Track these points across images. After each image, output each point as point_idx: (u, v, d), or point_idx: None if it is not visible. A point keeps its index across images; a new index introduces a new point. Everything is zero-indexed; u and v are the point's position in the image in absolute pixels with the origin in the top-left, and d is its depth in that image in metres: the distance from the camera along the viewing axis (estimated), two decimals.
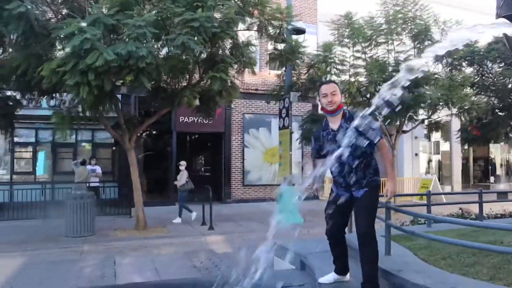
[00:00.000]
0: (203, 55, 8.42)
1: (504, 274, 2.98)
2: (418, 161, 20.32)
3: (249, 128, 16.47)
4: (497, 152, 24.58)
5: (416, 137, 19.65)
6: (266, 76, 16.15)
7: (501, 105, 15.21)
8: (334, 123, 3.37)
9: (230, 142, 16.15)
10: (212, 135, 16.47)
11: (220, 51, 8.57)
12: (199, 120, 15.33)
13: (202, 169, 18.30)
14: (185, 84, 9.19)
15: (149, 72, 6.57)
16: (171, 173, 14.86)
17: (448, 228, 4.71)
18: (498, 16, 3.05)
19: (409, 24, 12.17)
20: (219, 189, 15.87)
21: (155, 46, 6.91)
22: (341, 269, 3.57)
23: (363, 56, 12.17)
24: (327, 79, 11.54)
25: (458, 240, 3.32)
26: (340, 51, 11.74)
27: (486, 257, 3.32)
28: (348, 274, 3.61)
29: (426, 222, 5.98)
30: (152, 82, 7.70)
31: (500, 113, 15.31)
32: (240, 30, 8.98)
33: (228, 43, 8.96)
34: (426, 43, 12.20)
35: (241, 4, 8.58)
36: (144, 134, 16.09)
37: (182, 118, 15.09)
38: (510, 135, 17.09)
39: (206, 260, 7.57)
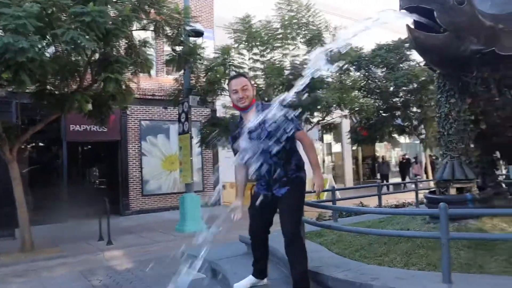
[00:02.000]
0: (96, 55, 7.73)
1: (417, 259, 3.04)
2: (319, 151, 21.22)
3: (146, 136, 15.70)
4: (382, 151, 26.86)
5: (316, 140, 20.60)
6: (163, 80, 15.58)
7: (384, 106, 16.56)
8: (246, 118, 3.16)
9: (127, 150, 15.21)
10: (107, 144, 15.36)
11: (115, 51, 7.93)
12: (92, 128, 14.18)
13: (97, 181, 16.98)
14: (76, 87, 8.36)
15: (32, 70, 5.75)
16: (62, 187, 13.54)
17: (354, 221, 4.80)
18: (401, 8, 3.14)
19: (303, 29, 12.62)
20: (117, 200, 14.83)
21: (40, 43, 6.07)
22: (260, 272, 3.37)
23: (261, 59, 12.33)
24: (226, 82, 11.48)
25: (378, 230, 3.34)
26: (238, 54, 11.74)
27: (397, 245, 3.38)
28: (266, 278, 3.43)
29: (331, 217, 6.10)
30: (37, 84, 6.81)
31: (384, 114, 16.72)
32: (135, 29, 8.43)
33: (123, 43, 8.34)
34: (319, 47, 12.77)
35: (136, 3, 8.06)
36: (29, 145, 14.44)
37: (72, 127, 13.83)
38: (393, 134, 18.83)
39: (106, 278, 6.88)
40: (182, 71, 11.18)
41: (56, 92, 8.25)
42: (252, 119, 3.08)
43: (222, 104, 13.02)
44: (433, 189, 4.34)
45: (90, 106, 8.59)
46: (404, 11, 3.11)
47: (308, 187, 3.28)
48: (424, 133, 18.07)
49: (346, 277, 2.78)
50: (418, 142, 23.38)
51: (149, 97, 15.48)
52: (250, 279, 3.38)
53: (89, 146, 16.19)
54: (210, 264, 4.48)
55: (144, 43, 8.23)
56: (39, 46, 5.85)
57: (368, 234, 3.50)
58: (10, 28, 5.64)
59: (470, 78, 3.59)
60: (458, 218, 3.37)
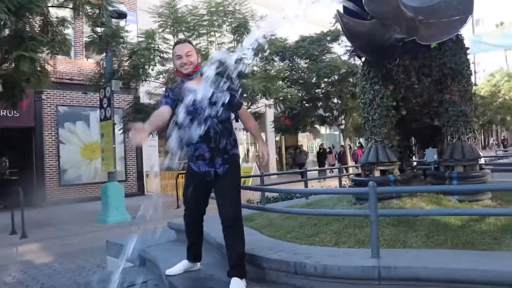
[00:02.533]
0: (7, 31, 7.05)
1: (346, 237, 3.17)
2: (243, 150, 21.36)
3: (64, 122, 14.78)
4: (304, 140, 27.79)
5: (235, 128, 20.71)
6: (82, 64, 14.70)
7: (307, 97, 17.04)
8: (191, 85, 2.99)
9: (42, 138, 14.21)
10: (20, 130, 14.20)
11: (28, 28, 7.28)
12: (2, 113, 13.06)
13: (8, 172, 15.62)
14: None
15: None
16: None
17: (283, 206, 4.89)
18: None
19: (229, 17, 12.54)
20: (31, 191, 13.78)
21: None
22: (195, 256, 3.31)
23: None
24: (151, 67, 11.11)
25: (310, 210, 3.43)
26: (163, 39, 11.39)
27: (326, 226, 3.50)
28: (199, 263, 3.38)
29: (258, 203, 6.17)
30: None
31: (307, 104, 17.21)
32: (52, 6, 7.81)
33: (38, 20, 7.69)
34: (245, 36, 12.79)
35: None
36: None
37: None
38: (315, 125, 19.50)
39: (21, 274, 6.40)
40: (104, 55, 10.62)
41: None
42: (195, 87, 2.93)
43: (146, 91, 12.57)
44: (359, 173, 4.56)
45: (0, 87, 7.85)
46: None
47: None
48: (344, 123, 18.96)
49: (280, 257, 2.82)
50: (337, 132, 24.51)
51: (67, 81, 14.56)
52: (184, 263, 3.30)
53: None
54: (139, 252, 4.31)
55: (63, 21, 7.63)
56: None
57: (301, 214, 3.59)
58: None
59: (393, 65, 3.81)
60: (382, 198, 3.56)
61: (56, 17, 7.81)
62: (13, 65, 7.21)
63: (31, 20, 7.43)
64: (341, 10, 3.30)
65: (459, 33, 3.87)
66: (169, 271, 3.27)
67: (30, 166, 14.27)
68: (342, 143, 23.33)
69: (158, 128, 3.03)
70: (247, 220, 4.35)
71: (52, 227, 9.95)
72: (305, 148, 26.44)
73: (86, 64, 14.14)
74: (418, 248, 2.86)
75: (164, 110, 2.95)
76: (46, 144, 14.36)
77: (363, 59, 4.22)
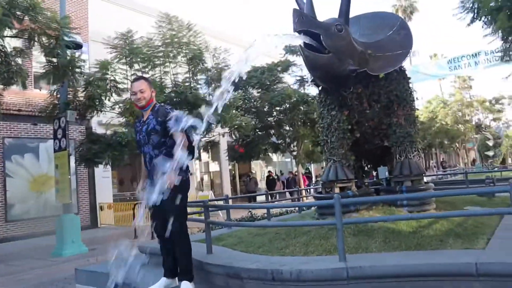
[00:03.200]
0: None
1: (314, 247, 3.50)
2: (194, 180, 21.35)
3: (11, 155, 14.23)
4: (257, 168, 28.20)
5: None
6: (31, 94, 14.36)
7: (260, 125, 17.55)
8: (145, 117, 3.55)
9: None
10: None
11: None
12: None
13: None
14: None
15: None
16: None
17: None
18: (295, 30, 3.65)
19: (183, 48, 12.88)
20: None
21: None
22: (170, 270, 3.49)
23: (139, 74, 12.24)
24: (107, 98, 11.14)
25: (283, 222, 3.73)
26: (120, 69, 11.51)
27: (294, 239, 3.81)
28: (177, 278, 3.54)
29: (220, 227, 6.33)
30: None
31: (260, 132, 17.71)
32: (7, 36, 7.78)
33: None
34: (199, 67, 13.17)
35: (6, 6, 7.45)
36: None
37: None
38: (268, 152, 20.01)
39: None
40: (56, 85, 10.56)
41: None
42: (146, 116, 3.49)
43: (98, 122, 12.50)
44: (319, 190, 4.94)
45: None
46: (296, 33, 3.63)
47: None
48: (296, 150, 19.60)
49: (258, 267, 3.09)
50: (289, 159, 25.12)
51: (14, 112, 14.10)
52: (163, 281, 3.47)
53: None
54: (111, 278, 4.37)
55: (20, 52, 7.61)
56: None
57: (273, 227, 3.88)
58: None
59: (348, 93, 4.28)
60: (344, 212, 3.93)
61: (14, 48, 7.76)
62: None
63: None
64: (303, 45, 3.73)
65: (402, 65, 4.44)
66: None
67: None
68: (290, 170, 23.99)
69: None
70: (217, 240, 4.58)
71: (4, 264, 9.52)
72: (258, 175, 26.82)
73: (35, 95, 13.86)
74: (377, 252, 3.24)
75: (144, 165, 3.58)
76: None
77: (320, 87, 4.68)
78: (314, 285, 2.84)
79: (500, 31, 7.76)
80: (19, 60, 7.74)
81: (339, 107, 4.40)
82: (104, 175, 16.27)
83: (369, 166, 5.78)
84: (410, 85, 4.63)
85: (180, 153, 3.23)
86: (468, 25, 7.90)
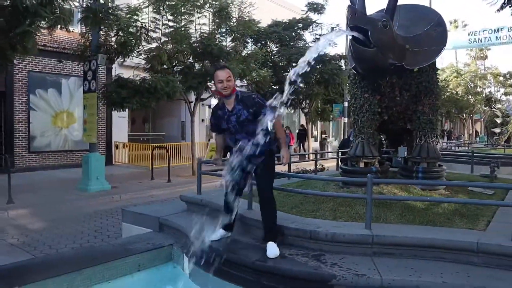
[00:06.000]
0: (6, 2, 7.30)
1: (340, 214, 4.15)
2: (204, 127, 21.93)
3: (35, 89, 14.75)
4: None
5: (203, 104, 21.23)
6: (57, 32, 14.63)
7: (275, 79, 17.86)
8: (229, 105, 3.75)
9: (13, 103, 14.18)
10: None
11: (29, 2, 7.55)
12: None
13: None
14: None
15: None
16: None
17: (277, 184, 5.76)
18: (348, 26, 4.08)
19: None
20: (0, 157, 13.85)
21: None
22: (229, 225, 4.03)
23: (170, 24, 12.50)
24: (138, 44, 11.48)
25: (325, 192, 4.38)
26: (152, 17, 11.77)
27: (323, 204, 4.46)
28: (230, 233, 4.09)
29: None
30: None
31: (274, 86, 18.06)
32: None
33: None
34: (225, 20, 13.35)
35: None
36: None
37: None
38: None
39: (23, 237, 6.87)
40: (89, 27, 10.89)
41: None
42: (232, 105, 3.73)
43: (119, 62, 12.74)
44: (346, 162, 5.55)
45: None
46: (349, 28, 4.07)
47: None
48: (308, 107, 20.07)
49: (297, 226, 3.75)
50: (293, 113, 25.42)
51: (40, 47, 14.43)
52: (221, 232, 4.04)
53: None
54: (158, 219, 5.06)
55: None
56: None
57: (311, 195, 4.51)
58: None
59: (382, 81, 4.78)
60: (363, 185, 4.50)
61: None
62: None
63: None
64: (352, 39, 4.18)
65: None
66: (211, 237, 3.94)
67: None
68: (303, 124, 24.47)
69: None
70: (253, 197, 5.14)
71: (34, 193, 10.30)
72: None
73: (59, 32, 14.12)
74: (395, 223, 3.89)
75: (219, 139, 4.11)
76: (16, 110, 14.33)
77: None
78: (344, 246, 3.51)
79: None
80: (63, 3, 8.05)
81: (372, 92, 4.91)
82: (120, 115, 16.80)
83: (385, 142, 6.37)
84: (438, 75, 5.10)
85: (283, 134, 3.85)
86: (498, 10, 8.11)
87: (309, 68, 3.27)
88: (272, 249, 3.56)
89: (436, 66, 5.15)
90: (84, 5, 9.54)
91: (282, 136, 3.91)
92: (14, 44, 8.28)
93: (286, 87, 3.37)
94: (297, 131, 24.21)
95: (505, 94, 37.63)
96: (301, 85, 18.61)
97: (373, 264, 3.28)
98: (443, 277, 3.03)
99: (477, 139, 26.16)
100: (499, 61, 66.43)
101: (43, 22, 8.10)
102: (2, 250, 5.98)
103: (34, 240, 6.69)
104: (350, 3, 4.27)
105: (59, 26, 8.35)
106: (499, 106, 29.07)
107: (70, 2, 8.21)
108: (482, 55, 44.50)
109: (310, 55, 3.36)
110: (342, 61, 18.07)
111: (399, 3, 4.88)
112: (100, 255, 4.13)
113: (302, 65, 3.35)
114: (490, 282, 2.94)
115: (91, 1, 9.56)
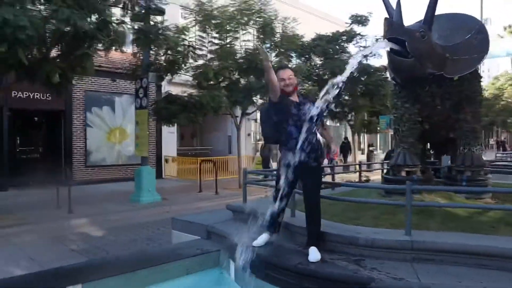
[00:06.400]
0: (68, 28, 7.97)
1: (382, 221, 4.22)
2: (250, 140, 22.28)
3: (91, 107, 15.73)
4: None
5: (248, 119, 21.63)
6: (111, 53, 15.59)
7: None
8: (294, 98, 3.97)
9: (71, 120, 15.18)
10: (51, 113, 15.19)
11: (88, 26, 8.21)
12: (36, 95, 14.06)
13: (40, 149, 16.62)
14: (42, 57, 8.48)
15: (27, 45, 6.01)
16: (3, 154, 13.33)
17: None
18: (385, 37, 4.21)
19: (255, 16, 13.41)
20: (59, 170, 14.80)
21: (39, 20, 6.24)
22: (274, 228, 4.18)
23: (215, 41, 13.01)
24: (185, 62, 12.03)
25: (372, 200, 4.49)
26: (198, 36, 12.33)
27: (364, 212, 4.55)
28: (274, 235, 4.24)
29: None
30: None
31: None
32: (110, 5, 8.74)
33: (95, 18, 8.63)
34: (269, 35, 13.69)
35: None
36: None
37: (15, 93, 13.52)
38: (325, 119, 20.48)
39: (82, 243, 7.39)
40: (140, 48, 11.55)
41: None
42: (296, 99, 3.94)
43: (168, 80, 13.30)
44: (387, 171, 5.60)
45: (58, 78, 8.80)
46: (385, 40, 4.20)
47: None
48: (353, 120, 19.96)
49: (338, 232, 3.87)
50: (340, 125, 25.22)
51: (96, 67, 15.36)
52: (264, 237, 4.16)
53: (32, 114, 15.81)
54: (206, 228, 5.32)
55: (122, 22, 8.57)
56: (39, 22, 6.11)
57: (353, 202, 4.62)
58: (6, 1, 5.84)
59: (422, 91, 4.83)
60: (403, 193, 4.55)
61: (117, 19, 8.71)
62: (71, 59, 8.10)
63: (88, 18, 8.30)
64: (389, 50, 4.30)
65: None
66: (255, 243, 4.11)
67: (59, 146, 15.27)
68: (346, 136, 24.27)
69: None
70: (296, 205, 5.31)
71: (90, 204, 10.97)
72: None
73: (114, 53, 15.04)
74: (435, 231, 3.91)
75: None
76: (74, 127, 15.32)
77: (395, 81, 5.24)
78: (383, 251, 3.58)
79: None
80: (118, 28, 8.67)
81: (412, 101, 4.97)
82: (170, 130, 17.47)
83: (432, 152, 6.33)
84: (481, 83, 5.08)
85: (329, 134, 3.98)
86: None
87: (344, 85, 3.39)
88: (314, 254, 3.69)
89: (479, 74, 5.12)
90: (136, 27, 10.16)
91: (328, 135, 4.06)
92: (74, 66, 8.99)
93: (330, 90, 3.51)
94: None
95: None
96: (346, 97, 18.59)
97: (412, 269, 3.34)
98: (484, 283, 3.05)
99: None
100: None
101: (100, 45, 8.73)
102: (64, 255, 6.46)
103: (92, 246, 7.18)
104: (387, 15, 4.39)
105: (114, 48, 8.93)
106: None
107: (124, 25, 8.79)
108: None
109: (349, 69, 3.51)
110: (387, 72, 17.92)
111: (440, 12, 4.94)
112: (153, 258, 4.43)
113: (342, 78, 3.50)
114: None
115: (142, 23, 10.16)
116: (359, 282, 3.20)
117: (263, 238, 4.17)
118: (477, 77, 5.06)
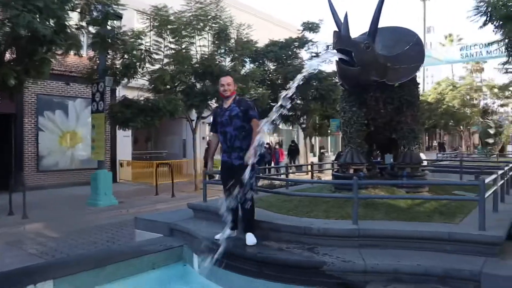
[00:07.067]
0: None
1: (332, 214, 4.67)
2: (205, 144, 22.41)
3: (44, 110, 15.39)
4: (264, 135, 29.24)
5: (203, 122, 21.83)
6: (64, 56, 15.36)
7: (273, 97, 18.44)
8: (226, 104, 4.57)
9: (23, 124, 14.79)
10: (1, 116, 14.69)
11: (46, 30, 8.20)
12: None
13: None
14: None
15: None
16: None
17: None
18: (334, 48, 4.68)
19: (210, 22, 13.70)
20: (8, 176, 14.34)
21: None
22: (234, 224, 4.58)
23: (171, 46, 13.18)
24: (142, 66, 12.15)
25: (322, 194, 4.91)
26: (154, 41, 12.45)
27: (317, 206, 4.98)
28: (236, 230, 4.65)
29: None
30: None
31: (272, 104, 18.60)
32: (69, 10, 8.74)
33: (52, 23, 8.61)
34: (224, 41, 14.03)
35: None
36: None
37: None
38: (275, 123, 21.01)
39: (41, 247, 7.36)
40: (96, 52, 11.54)
41: None
42: (228, 104, 4.54)
43: (123, 84, 13.34)
44: (337, 169, 6.10)
45: (13, 82, 8.69)
46: (334, 50, 4.68)
47: None
48: (306, 123, 20.66)
49: (292, 223, 4.27)
50: (291, 128, 25.91)
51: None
52: (227, 232, 4.48)
53: None
54: (169, 225, 5.56)
55: (81, 27, 8.60)
56: None
57: (304, 197, 5.04)
58: None
59: (367, 96, 5.37)
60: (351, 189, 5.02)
61: (76, 24, 8.72)
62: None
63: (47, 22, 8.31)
64: (338, 59, 4.78)
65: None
66: (218, 236, 4.46)
67: (8, 151, 14.81)
68: (293, 139, 24.99)
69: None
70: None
71: (45, 209, 10.80)
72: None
73: (67, 57, 14.84)
74: (379, 220, 4.41)
75: (214, 139, 4.80)
76: (25, 131, 14.94)
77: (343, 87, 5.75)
78: (334, 239, 4.02)
79: (507, 38, 8.65)
80: (77, 33, 8.70)
81: (359, 105, 5.50)
82: (125, 134, 17.37)
83: (377, 152, 6.93)
84: (419, 89, 5.70)
85: (258, 136, 4.36)
86: (481, 27, 8.76)
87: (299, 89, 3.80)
88: (250, 238, 4.28)
89: (417, 81, 5.75)
90: (94, 31, 10.18)
91: (254, 135, 4.40)
92: (28, 69, 8.91)
93: (275, 109, 3.94)
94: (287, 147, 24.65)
95: (502, 105, 38.34)
96: (298, 101, 19.21)
97: (359, 253, 3.79)
98: (419, 261, 3.54)
99: (475, 150, 26.71)
100: (495, 73, 67.38)
101: (57, 49, 8.72)
102: (24, 259, 6.45)
103: (51, 249, 7.19)
104: (336, 28, 4.88)
105: (72, 52, 8.94)
106: (495, 117, 29.78)
107: (82, 30, 8.83)
108: (478, 67, 45.42)
109: (300, 77, 3.93)
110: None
111: (383, 25, 5.49)
112: (119, 254, 4.64)
113: (292, 88, 3.92)
114: (458, 264, 3.45)
115: (99, 27, 10.20)
116: (313, 266, 3.60)
117: (226, 232, 4.51)
118: (415, 83, 5.68)
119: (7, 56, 8.76)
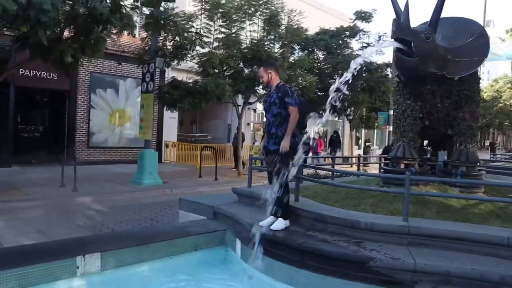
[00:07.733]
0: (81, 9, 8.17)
1: (380, 208, 4.52)
2: (249, 130, 22.55)
3: (96, 88, 15.93)
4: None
5: (249, 108, 21.88)
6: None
7: (320, 86, 18.15)
8: (271, 91, 4.62)
9: (76, 101, 15.38)
10: (57, 92, 15.39)
11: (103, 10, 8.39)
12: (42, 74, 14.24)
13: (42, 129, 16.85)
14: (55, 37, 8.67)
15: (48, 26, 6.22)
16: (7, 131, 13.54)
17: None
18: (392, 37, 4.48)
19: (261, 7, 13.58)
20: (61, 150, 15.04)
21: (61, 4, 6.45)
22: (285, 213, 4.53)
23: (222, 29, 13.19)
24: (192, 49, 12.27)
25: (362, 186, 4.78)
26: (205, 23, 12.51)
27: (364, 200, 4.85)
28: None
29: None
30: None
31: (320, 93, 18.33)
32: None
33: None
34: (275, 27, 13.88)
35: None
36: None
37: (22, 71, 13.65)
38: (322, 113, 20.70)
39: (88, 220, 7.66)
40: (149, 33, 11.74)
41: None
42: (271, 91, 4.60)
43: (172, 66, 13.54)
44: (387, 163, 5.90)
45: (70, 58, 9.00)
46: (392, 40, 4.48)
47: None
48: (352, 114, 20.24)
49: (339, 215, 4.18)
50: (337, 120, 25.44)
51: None
52: (270, 219, 4.51)
53: (37, 93, 15.99)
54: (212, 208, 5.61)
55: (135, 7, 8.75)
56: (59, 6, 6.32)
57: (353, 189, 4.93)
58: None
59: (424, 88, 5.12)
60: (402, 185, 4.84)
61: (131, 4, 8.88)
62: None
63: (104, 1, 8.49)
64: (396, 49, 4.57)
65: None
66: (262, 223, 4.46)
67: (62, 126, 15.49)
68: (336, 130, 24.50)
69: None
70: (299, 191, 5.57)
71: (93, 184, 11.24)
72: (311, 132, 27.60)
73: (120, 36, 15.20)
74: (431, 219, 4.22)
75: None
76: (78, 107, 15.53)
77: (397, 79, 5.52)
78: (382, 235, 3.90)
79: None
80: (131, 13, 8.86)
81: (414, 98, 5.26)
82: (171, 116, 17.70)
83: (429, 149, 6.65)
84: (480, 85, 5.38)
85: (292, 124, 4.29)
86: None
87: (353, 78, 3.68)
88: (276, 223, 4.34)
89: (478, 76, 5.42)
90: (147, 12, 10.35)
91: (290, 125, 4.32)
92: (83, 47, 9.18)
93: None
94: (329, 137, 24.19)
95: None
96: (347, 92, 18.77)
97: (408, 251, 3.65)
98: (473, 265, 3.36)
99: None
100: None
101: (113, 28, 8.93)
102: (72, 230, 6.73)
103: (98, 223, 7.46)
104: (395, 16, 4.67)
105: (125, 32, 9.12)
106: None
107: (136, 10, 8.98)
108: None
109: (355, 65, 3.78)
110: (388, 69, 18.15)
111: (445, 15, 5.20)
112: (163, 233, 4.72)
113: (348, 75, 3.78)
114: None
115: (153, 9, 10.35)
116: (360, 261, 3.51)
117: (268, 219, 4.48)
118: (476, 78, 5.35)
119: (65, 34, 9.05)
